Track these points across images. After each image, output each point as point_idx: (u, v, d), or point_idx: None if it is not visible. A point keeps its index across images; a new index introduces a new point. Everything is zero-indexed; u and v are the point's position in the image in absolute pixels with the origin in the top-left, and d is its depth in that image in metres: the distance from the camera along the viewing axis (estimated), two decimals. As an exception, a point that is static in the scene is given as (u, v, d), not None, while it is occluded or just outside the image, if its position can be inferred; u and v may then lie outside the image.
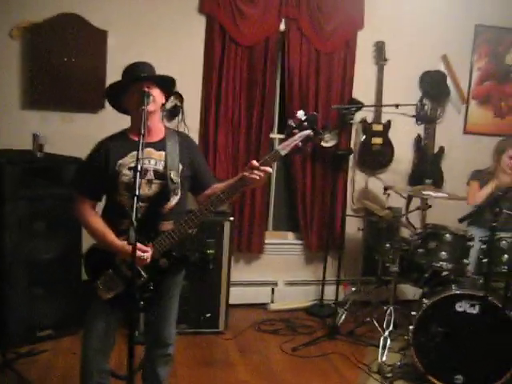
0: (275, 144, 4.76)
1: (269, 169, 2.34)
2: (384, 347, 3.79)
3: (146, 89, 2.38)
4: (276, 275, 4.84)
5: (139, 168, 2.07)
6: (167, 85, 2.54)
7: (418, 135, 4.90)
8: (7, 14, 4.03)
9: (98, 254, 2.49)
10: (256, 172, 2.31)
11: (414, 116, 4.56)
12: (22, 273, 3.68)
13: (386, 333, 3.86)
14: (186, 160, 2.53)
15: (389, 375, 3.56)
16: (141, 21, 4.27)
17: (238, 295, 4.53)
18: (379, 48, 4.70)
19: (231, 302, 4.23)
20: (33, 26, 4.05)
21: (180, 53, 4.33)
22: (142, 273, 2.42)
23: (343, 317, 4.39)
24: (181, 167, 2.49)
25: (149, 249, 2.38)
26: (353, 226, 4.72)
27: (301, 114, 2.35)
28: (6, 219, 3.58)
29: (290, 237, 5.02)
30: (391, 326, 3.89)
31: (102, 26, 4.16)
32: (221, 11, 4.34)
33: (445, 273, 3.87)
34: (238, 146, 4.54)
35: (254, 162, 2.33)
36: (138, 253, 2.27)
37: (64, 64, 4.09)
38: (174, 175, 2.45)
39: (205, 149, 4.38)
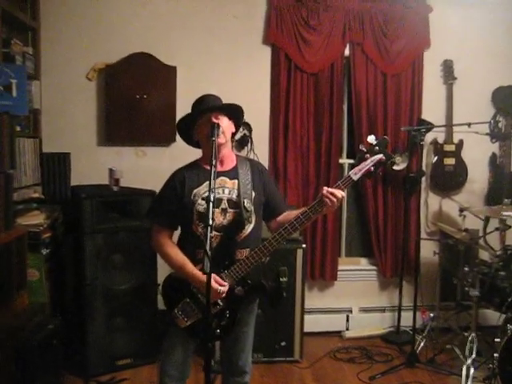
0: (345, 169, 4.73)
1: (342, 193, 2.33)
2: (467, 376, 3.59)
3: (215, 120, 2.44)
4: (350, 302, 4.77)
5: (212, 198, 2.11)
6: (236, 114, 2.59)
7: (493, 153, 4.74)
8: (84, 58, 4.27)
9: (174, 282, 2.53)
10: (330, 197, 2.30)
11: (487, 134, 4.43)
12: (101, 304, 3.80)
13: (469, 361, 3.66)
14: (258, 187, 2.56)
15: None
16: (207, 55, 4.40)
17: (312, 323, 4.48)
18: (447, 66, 4.62)
19: (306, 329, 4.19)
20: (107, 67, 4.26)
21: (247, 83, 4.42)
22: (219, 301, 2.44)
23: (422, 344, 4.25)
24: (254, 194, 2.52)
25: (226, 284, 2.41)
26: (428, 250, 4.58)
27: (372, 138, 2.34)
28: (85, 252, 3.72)
29: (363, 263, 4.94)
30: (474, 353, 3.70)
31: (171, 63, 4.32)
32: (285, 40, 4.40)
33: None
34: (307, 172, 4.54)
35: (326, 189, 2.33)
36: (215, 285, 2.31)
37: (136, 101, 4.27)
38: (247, 203, 2.48)
39: (275, 176, 4.41)
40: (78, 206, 3.73)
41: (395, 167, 4.44)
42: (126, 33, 4.29)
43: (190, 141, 2.62)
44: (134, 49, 4.27)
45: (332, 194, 2.31)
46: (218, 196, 2.42)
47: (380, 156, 2.32)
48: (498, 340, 3.34)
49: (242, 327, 2.62)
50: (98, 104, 4.34)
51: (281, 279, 3.96)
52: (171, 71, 4.32)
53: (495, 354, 3.30)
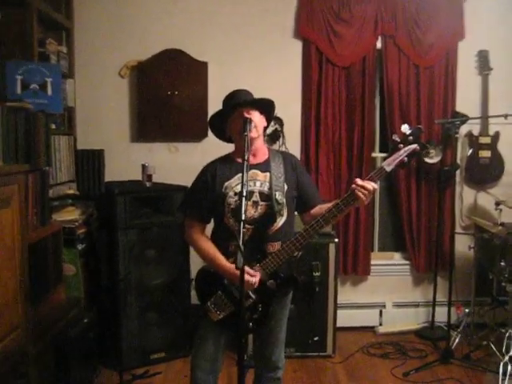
0: (377, 163, 4.69)
1: (375, 185, 2.30)
2: (505, 374, 3.52)
3: (247, 114, 2.44)
4: (384, 297, 4.73)
5: (244, 192, 2.11)
6: (267, 108, 2.59)
7: (530, 146, 4.64)
8: (116, 56, 4.33)
9: (207, 276, 2.55)
10: (362, 190, 2.28)
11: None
12: (134, 298, 3.85)
13: (506, 358, 3.60)
14: (291, 179, 2.55)
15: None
16: (238, 51, 4.41)
17: (345, 318, 4.47)
18: (483, 57, 4.53)
19: (339, 324, 4.17)
20: (139, 64, 4.31)
21: (278, 78, 4.42)
22: (251, 294, 2.45)
23: (457, 340, 4.19)
24: (286, 187, 2.51)
25: (257, 273, 2.41)
26: (463, 245, 4.52)
27: (405, 127, 2.29)
28: (119, 247, 3.77)
29: (396, 257, 4.89)
30: (511, 350, 3.64)
31: (203, 58, 4.34)
32: (316, 34, 4.38)
33: None
34: (339, 166, 4.51)
35: (359, 180, 2.30)
36: (246, 277, 2.29)
37: (168, 97, 4.30)
38: (279, 196, 2.47)
39: (307, 170, 4.37)
40: (111, 202, 3.79)
41: (429, 160, 4.39)
42: (157, 30, 4.33)
43: (222, 136, 2.64)
44: (165, 46, 4.30)
45: (363, 186, 2.27)
46: (249, 189, 2.42)
47: (414, 146, 2.27)
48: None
49: (274, 321, 2.62)
50: (131, 101, 4.39)
51: (313, 274, 3.96)
52: (202, 67, 4.34)
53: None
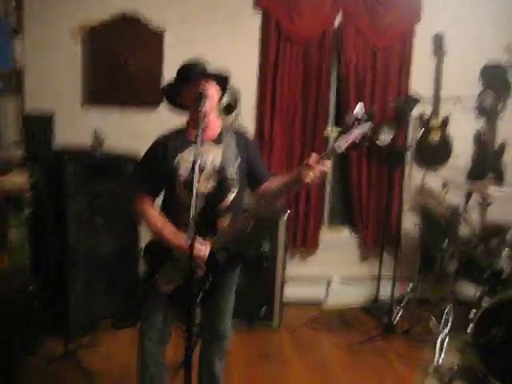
0: (330, 140, 4.74)
1: (325, 168, 2.34)
2: (442, 347, 3.71)
3: (202, 89, 2.42)
4: (331, 271, 4.83)
5: (197, 167, 2.11)
6: (222, 80, 2.57)
7: (478, 131, 4.78)
8: (69, 13, 4.18)
9: (156, 248, 2.56)
10: (311, 171, 2.31)
11: (475, 108, 4.44)
12: (83, 267, 3.83)
13: (444, 332, 3.78)
14: (242, 155, 2.57)
15: (446, 377, 3.49)
16: (196, 19, 4.34)
17: (292, 292, 4.54)
18: (438, 40, 4.60)
19: (285, 299, 4.25)
20: (92, 27, 4.19)
21: (235, 49, 4.38)
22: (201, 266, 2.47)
23: (399, 315, 4.34)
24: (237, 163, 2.53)
25: (207, 244, 2.43)
26: (409, 223, 4.65)
27: (359, 109, 2.32)
28: (68, 215, 3.72)
29: (345, 232, 5.00)
30: (449, 325, 3.81)
31: (159, 25, 4.26)
32: (276, 5, 4.36)
33: (506, 272, 3.77)
34: (293, 142, 4.55)
35: (315, 154, 2.34)
36: (196, 247, 2.30)
37: (122, 63, 4.23)
38: (231, 170, 2.49)
39: (260, 146, 4.40)
40: (60, 169, 3.72)
41: (381, 140, 4.46)
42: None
43: (177, 104, 2.60)
44: (121, 6, 4.19)
45: (317, 162, 2.31)
46: (202, 163, 2.42)
47: (368, 124, 2.31)
48: (473, 313, 3.42)
49: (222, 293, 2.66)
50: (84, 63, 4.27)
51: (262, 247, 4.01)
52: (158, 35, 4.27)
53: (469, 327, 3.38)
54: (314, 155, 2.34)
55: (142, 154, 2.63)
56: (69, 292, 3.78)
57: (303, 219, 4.67)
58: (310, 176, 2.32)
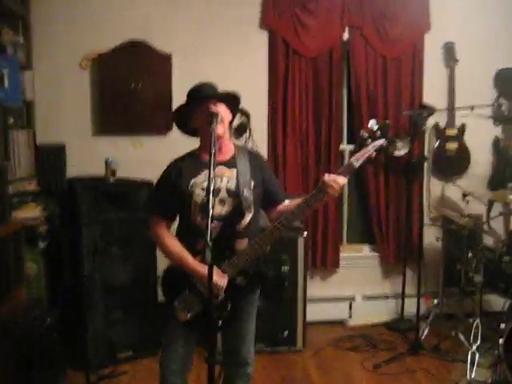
0: (345, 155, 4.71)
1: (344, 180, 2.32)
2: (472, 363, 3.58)
3: (213, 108, 2.42)
4: (353, 290, 4.77)
5: (212, 188, 2.09)
6: (233, 102, 2.57)
7: (496, 137, 4.73)
8: (76, 46, 4.24)
9: (174, 274, 2.53)
10: (332, 184, 2.30)
11: (491, 117, 4.40)
12: (100, 297, 3.81)
13: (474, 347, 3.66)
14: (257, 176, 2.55)
15: (479, 393, 3.41)
16: (203, 41, 4.37)
17: (315, 312, 4.48)
18: (449, 49, 4.58)
19: (308, 319, 4.20)
20: (100, 55, 4.23)
21: (244, 69, 4.40)
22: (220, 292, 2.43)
23: (426, 331, 4.26)
24: (253, 183, 2.51)
25: (225, 276, 2.42)
26: (431, 236, 4.60)
27: (372, 123, 2.32)
28: (82, 244, 3.72)
29: (365, 249, 4.95)
30: (479, 340, 3.71)
31: (166, 50, 4.30)
32: (282, 24, 4.37)
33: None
34: (307, 159, 4.53)
35: (328, 175, 2.32)
36: (215, 278, 2.25)
37: (131, 90, 4.25)
38: (246, 192, 2.46)
39: (274, 164, 4.40)
40: (74, 198, 3.73)
41: (397, 153, 4.41)
42: (118, 20, 4.25)
43: (188, 130, 2.61)
44: (127, 36, 4.24)
45: (334, 180, 2.30)
46: (216, 185, 2.41)
47: (382, 141, 2.30)
48: (503, 326, 3.33)
49: (243, 318, 2.62)
50: (92, 93, 4.31)
51: (282, 268, 3.96)
52: (166, 59, 4.30)
53: (500, 340, 3.29)
54: (327, 176, 2.34)
55: (156, 180, 2.62)
56: (87, 323, 3.76)
57: (322, 238, 4.63)
58: (331, 190, 2.31)
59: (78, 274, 3.78)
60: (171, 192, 2.50)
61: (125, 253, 3.89)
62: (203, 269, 2.25)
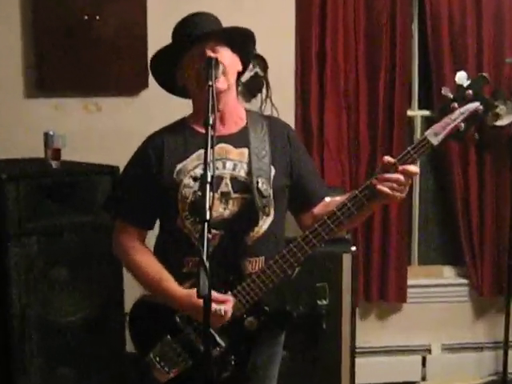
0: (416, 127, 4.70)
1: (413, 169, 2.30)
2: None
3: (211, 53, 2.41)
4: (428, 337, 4.80)
5: (209, 176, 2.08)
6: (242, 44, 2.57)
7: None
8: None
9: (149, 311, 2.55)
10: (393, 177, 2.28)
11: None
12: (37, 344, 3.80)
13: None
14: (281, 160, 2.55)
15: None
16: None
17: (368, 371, 4.52)
18: None
19: (359, 380, 4.21)
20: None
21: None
22: (218, 339, 2.44)
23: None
24: (273, 172, 2.51)
25: (229, 298, 2.40)
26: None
27: (461, 77, 2.29)
28: (12, 265, 3.72)
29: (447, 274, 4.98)
30: None
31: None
32: None
33: None
34: (357, 132, 4.54)
35: (388, 159, 2.30)
36: (212, 306, 2.23)
37: (85, 25, 4.26)
38: (262, 185, 2.46)
39: (305, 140, 4.39)
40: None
41: (499, 122, 4.40)
42: None
43: (172, 86, 2.62)
44: None
45: (388, 179, 2.27)
46: (216, 173, 2.36)
47: (475, 105, 2.27)
48: None
49: (256, 379, 2.62)
50: (24, 33, 4.33)
51: (318, 302, 3.97)
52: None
53: None
54: (388, 158, 2.31)
55: (125, 165, 2.64)
56: (19, 380, 3.77)
57: (379, 257, 4.64)
58: (388, 190, 2.27)
59: (3, 311, 3.80)
60: (147, 184, 2.50)
61: (75, 277, 3.90)
62: (194, 300, 2.20)
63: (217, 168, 2.40)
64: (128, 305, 3.37)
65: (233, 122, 2.56)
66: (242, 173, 2.48)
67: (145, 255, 2.53)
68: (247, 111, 2.65)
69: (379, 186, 2.27)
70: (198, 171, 2.36)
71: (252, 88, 4.43)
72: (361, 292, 4.58)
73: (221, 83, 2.41)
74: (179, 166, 2.48)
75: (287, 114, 4.37)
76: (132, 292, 3.01)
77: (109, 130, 4.26)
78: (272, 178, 2.50)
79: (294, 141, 2.67)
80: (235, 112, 2.59)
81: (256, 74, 4.40)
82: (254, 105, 4.37)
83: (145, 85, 4.15)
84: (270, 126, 2.60)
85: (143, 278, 2.51)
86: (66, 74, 4.31)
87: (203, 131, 2.22)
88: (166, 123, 2.63)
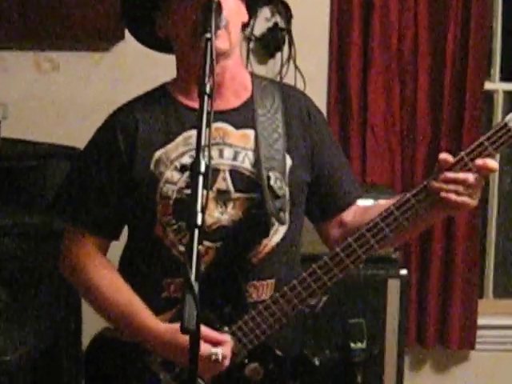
0: (497, 105, 4.71)
1: (491, 164, 2.27)
2: None
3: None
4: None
5: (203, 167, 2.06)
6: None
7: None
8: None
9: (112, 351, 2.56)
10: (459, 177, 2.26)
11: None
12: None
13: None
14: (300, 146, 2.54)
15: None
16: None
17: None
18: None
19: None
20: None
21: None
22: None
23: None
24: (289, 163, 2.50)
25: (226, 338, 2.40)
26: None
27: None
28: None
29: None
30: None
31: None
32: None
33: None
34: (413, 113, 4.56)
35: (447, 158, 2.28)
36: (205, 348, 2.24)
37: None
38: (276, 181, 2.45)
39: (339, 123, 4.42)
40: None
41: None
42: None
43: (154, 40, 2.63)
44: None
45: (455, 180, 2.24)
46: (212, 164, 2.34)
47: None
48: None
49: None
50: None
51: (351, 345, 3.98)
52: None
53: None
54: (444, 155, 2.28)
55: (82, 150, 2.65)
56: None
57: (440, 285, 4.66)
58: (453, 196, 2.23)
59: None
60: (113, 178, 2.50)
61: (16, 299, 3.93)
62: (177, 337, 2.22)
63: (212, 157, 2.25)
64: (87, 338, 3.39)
65: (233, 92, 2.54)
66: (246, 164, 2.47)
67: (107, 275, 2.51)
68: (254, 77, 2.64)
69: (439, 189, 2.25)
70: (186, 160, 2.35)
71: (269, 44, 4.41)
72: (412, 333, 4.60)
73: (221, 41, 2.35)
74: (158, 154, 2.46)
75: (317, 84, 4.40)
76: (93, 321, 3.02)
77: (68, 96, 4.28)
78: (288, 171, 2.49)
79: (318, 120, 2.66)
80: (238, 78, 2.56)
81: (275, 24, 4.39)
82: (271, 69, 4.37)
83: (120, 36, 4.18)
84: (284, 99, 2.58)
85: (104, 307, 2.51)
86: (13, 21, 4.34)
87: (192, 104, 2.26)
88: (145, 90, 2.62)
